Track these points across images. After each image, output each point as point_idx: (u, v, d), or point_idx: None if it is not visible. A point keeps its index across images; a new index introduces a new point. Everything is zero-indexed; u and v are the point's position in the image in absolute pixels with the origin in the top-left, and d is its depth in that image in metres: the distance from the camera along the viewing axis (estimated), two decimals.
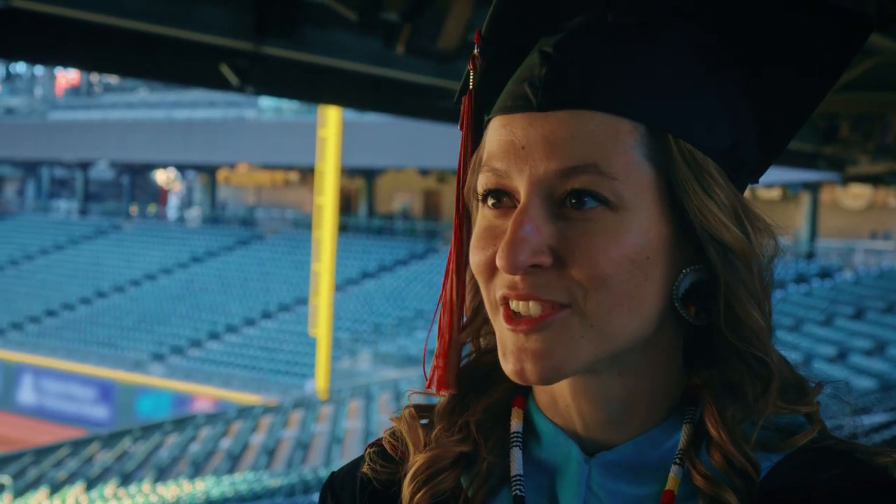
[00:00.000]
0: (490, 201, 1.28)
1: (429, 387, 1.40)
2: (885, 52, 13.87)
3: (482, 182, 1.28)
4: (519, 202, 1.25)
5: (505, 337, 1.27)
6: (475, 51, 1.36)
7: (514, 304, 1.25)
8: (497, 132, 1.28)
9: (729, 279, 1.26)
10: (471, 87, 1.36)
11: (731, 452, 1.26)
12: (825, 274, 40.32)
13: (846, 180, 31.16)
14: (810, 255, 44.17)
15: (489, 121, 1.32)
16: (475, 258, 1.28)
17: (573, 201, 1.22)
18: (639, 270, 1.23)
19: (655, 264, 1.25)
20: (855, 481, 1.27)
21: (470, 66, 1.37)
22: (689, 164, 1.25)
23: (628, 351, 1.28)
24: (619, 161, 1.22)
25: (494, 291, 1.27)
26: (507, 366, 1.27)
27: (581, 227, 1.22)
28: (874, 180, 31.77)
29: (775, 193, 48.76)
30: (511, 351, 1.26)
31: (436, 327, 1.38)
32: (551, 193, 1.23)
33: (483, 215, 1.29)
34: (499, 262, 1.23)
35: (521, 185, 1.24)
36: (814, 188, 46.73)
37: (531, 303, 1.24)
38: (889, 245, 46.66)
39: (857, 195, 48.97)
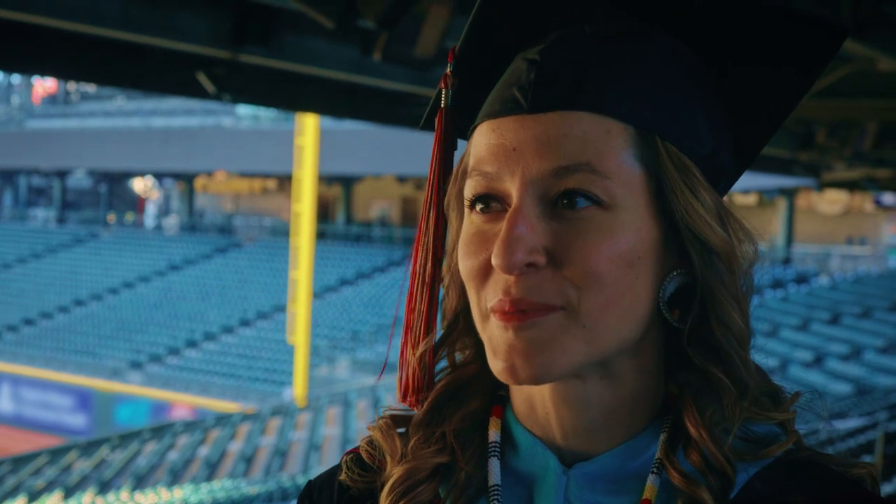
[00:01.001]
0: (478, 207, 1.28)
1: (402, 400, 1.40)
2: (861, 59, 13.91)
3: (471, 187, 1.28)
4: (509, 206, 1.25)
5: (495, 337, 1.26)
6: (448, 69, 1.37)
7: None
8: (485, 137, 1.28)
9: (712, 282, 1.27)
10: (442, 104, 1.37)
11: (711, 451, 1.27)
12: (801, 279, 40.42)
13: (822, 186, 31.24)
14: (787, 261, 44.27)
15: (474, 129, 1.32)
16: (467, 264, 1.28)
17: (565, 202, 1.23)
18: (630, 270, 1.24)
19: (645, 266, 1.26)
20: (829, 496, 1.28)
21: (442, 85, 1.38)
22: (677, 167, 1.26)
23: (616, 355, 1.28)
24: (610, 161, 1.23)
25: (486, 300, 1.27)
26: (497, 364, 1.26)
27: (575, 226, 1.23)
28: (850, 186, 31.85)
29: (752, 199, 48.88)
30: (502, 349, 1.25)
31: (398, 340, 1.39)
32: (544, 194, 1.24)
33: (471, 221, 1.29)
34: (495, 262, 1.22)
35: (512, 187, 1.24)
36: (790, 194, 46.86)
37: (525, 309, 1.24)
38: (865, 250, 46.83)
39: (833, 201, 49.13)
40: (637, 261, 1.25)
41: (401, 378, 1.40)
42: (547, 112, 1.25)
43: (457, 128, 1.38)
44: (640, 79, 1.27)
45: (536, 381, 1.25)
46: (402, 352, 1.41)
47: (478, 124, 1.31)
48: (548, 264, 1.23)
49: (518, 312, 1.23)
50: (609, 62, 1.26)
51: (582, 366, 1.26)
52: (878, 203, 47.46)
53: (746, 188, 43.43)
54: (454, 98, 1.37)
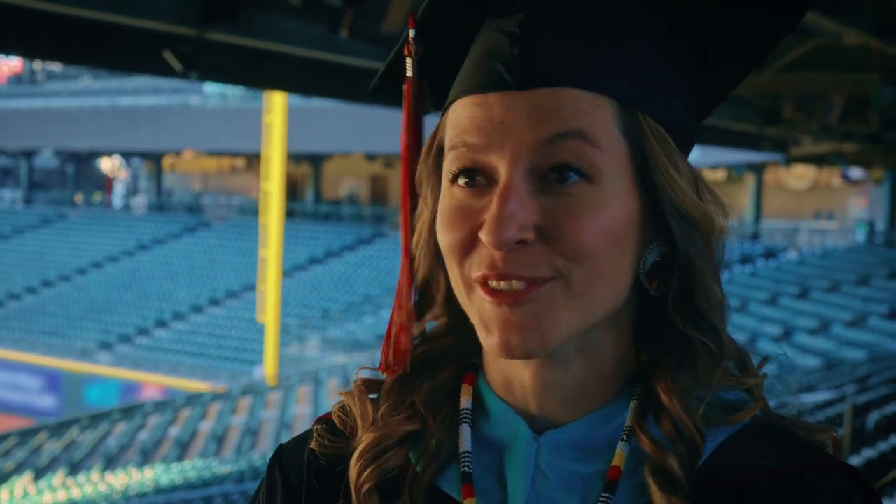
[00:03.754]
0: (461, 181, 1.27)
1: (384, 370, 1.40)
2: (828, 33, 13.98)
3: (455, 159, 1.27)
4: (495, 181, 1.25)
5: (487, 311, 1.26)
6: (410, 37, 1.36)
7: (493, 284, 1.25)
8: (469, 110, 1.27)
9: (691, 253, 1.28)
10: (410, 74, 1.36)
11: (682, 418, 1.28)
12: (770, 254, 40.61)
13: (790, 161, 31.41)
14: (755, 236, 44.48)
15: (450, 103, 1.31)
16: (447, 238, 1.27)
17: (555, 176, 1.23)
18: (617, 245, 1.25)
19: (629, 238, 1.26)
20: (794, 462, 1.29)
21: (406, 53, 1.36)
22: (658, 141, 1.26)
23: (595, 327, 1.29)
24: (602, 132, 1.23)
25: (470, 271, 1.26)
26: (492, 339, 1.26)
27: (564, 201, 1.23)
28: (817, 160, 32.03)
29: (720, 174, 49.03)
30: (496, 325, 1.25)
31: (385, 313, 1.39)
32: (533, 168, 1.23)
33: (452, 195, 1.28)
34: (486, 238, 1.22)
35: (501, 161, 1.23)
36: (758, 169, 47.06)
37: (513, 281, 1.24)
38: (832, 225, 47.06)
39: (800, 176, 49.36)
40: (623, 235, 1.25)
41: (387, 349, 1.40)
42: (536, 88, 1.24)
43: (426, 98, 1.37)
44: (621, 52, 1.27)
45: (532, 355, 1.26)
46: (391, 325, 1.40)
47: (456, 98, 1.30)
48: (537, 240, 1.23)
49: (509, 292, 1.24)
50: (592, 37, 1.26)
51: (572, 337, 1.27)
52: (845, 177, 47.68)
53: (714, 164, 43.56)
54: (419, 66, 1.36)
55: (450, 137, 1.29)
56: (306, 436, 1.46)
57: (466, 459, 1.34)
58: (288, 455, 1.46)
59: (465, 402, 1.39)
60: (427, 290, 1.39)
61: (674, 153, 1.28)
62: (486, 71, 1.27)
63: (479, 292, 1.26)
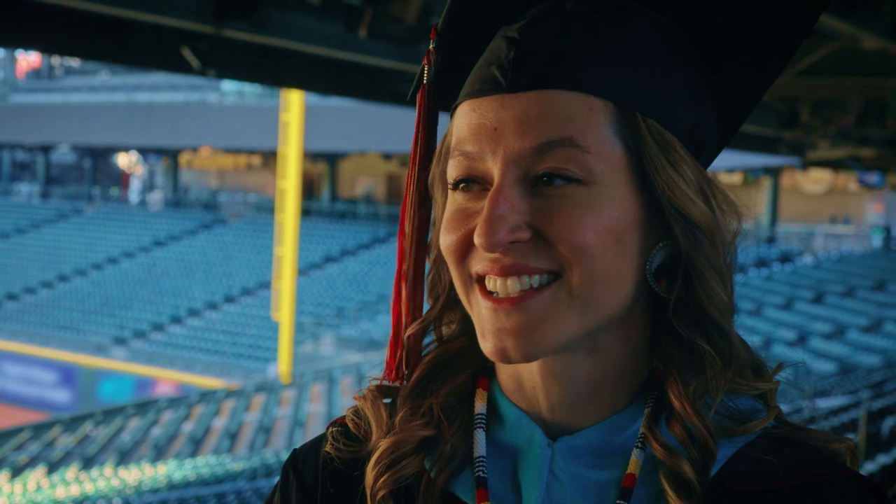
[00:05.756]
0: (461, 186, 1.28)
1: (391, 379, 1.41)
2: (845, 37, 13.94)
3: (453, 168, 1.29)
4: (491, 186, 1.25)
5: (483, 316, 1.27)
6: (431, 46, 1.37)
7: (490, 284, 1.26)
8: (466, 117, 1.29)
9: (694, 255, 1.28)
10: (425, 81, 1.38)
11: (693, 423, 1.27)
12: (785, 258, 40.53)
13: (806, 165, 31.32)
14: (771, 240, 44.39)
15: (455, 108, 1.33)
16: (446, 239, 1.29)
17: (546, 180, 1.23)
18: (616, 244, 1.25)
19: (631, 239, 1.26)
20: (807, 474, 1.29)
21: (425, 62, 1.38)
22: (658, 142, 1.26)
23: (603, 328, 1.29)
24: (592, 136, 1.23)
25: (470, 268, 1.28)
26: (487, 345, 1.27)
27: (557, 202, 1.23)
28: (834, 165, 31.95)
29: (736, 178, 48.96)
30: (490, 331, 1.26)
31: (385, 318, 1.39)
32: (525, 173, 1.24)
33: (453, 200, 1.29)
34: (477, 241, 1.23)
35: (494, 167, 1.25)
36: (774, 173, 46.97)
37: (509, 281, 1.24)
38: (849, 230, 46.95)
39: (817, 180, 49.24)
40: (622, 234, 1.25)
41: (393, 357, 1.41)
42: (527, 91, 1.25)
43: (439, 104, 1.38)
44: (620, 55, 1.27)
45: (528, 359, 1.26)
46: (393, 331, 1.41)
47: (459, 104, 1.32)
48: (533, 239, 1.24)
49: (505, 297, 1.24)
50: (588, 38, 1.26)
51: (574, 339, 1.27)
52: (861, 182, 47.55)
53: (731, 167, 43.52)
54: (437, 74, 1.37)
55: (451, 144, 1.30)
56: (321, 439, 1.46)
57: (481, 464, 1.34)
58: (303, 459, 1.46)
59: (480, 406, 1.38)
60: (441, 292, 1.39)
61: (675, 155, 1.27)
62: (484, 75, 1.29)
63: (478, 295, 1.27)
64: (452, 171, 1.29)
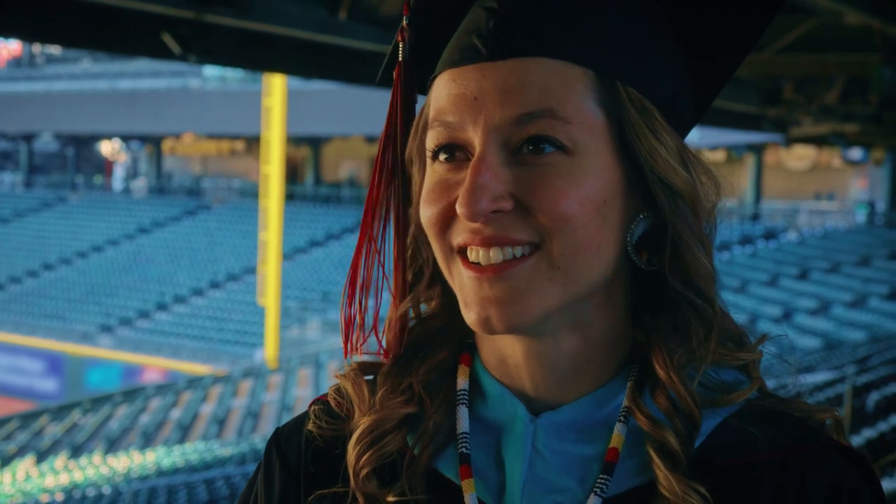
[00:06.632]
0: (442, 156, 1.28)
1: (384, 357, 1.40)
2: (828, 13, 13.94)
3: (433, 137, 1.28)
4: (473, 154, 1.25)
5: (466, 286, 1.27)
6: (403, 22, 1.36)
7: (472, 255, 1.26)
8: (446, 87, 1.28)
9: (678, 224, 1.28)
10: (400, 58, 1.37)
11: (679, 392, 1.28)
12: (770, 235, 40.56)
13: (790, 141, 31.35)
14: (755, 217, 44.43)
15: (433, 79, 1.32)
16: (427, 212, 1.28)
17: (530, 148, 1.23)
18: (598, 213, 1.25)
19: (612, 209, 1.26)
20: (792, 445, 1.29)
21: (399, 38, 1.37)
22: (639, 110, 1.27)
23: (586, 301, 1.29)
24: (572, 106, 1.24)
25: (452, 240, 1.27)
26: (471, 315, 1.27)
27: (539, 171, 1.23)
28: (818, 141, 31.97)
29: (720, 155, 48.98)
30: (474, 300, 1.26)
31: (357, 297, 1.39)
32: (507, 141, 1.24)
33: (433, 171, 1.29)
34: (460, 210, 1.23)
35: (475, 136, 1.25)
36: (758, 150, 47.00)
37: (492, 251, 1.24)
38: (833, 206, 47.04)
39: (800, 156, 49.33)
40: (604, 204, 1.25)
41: (349, 332, 1.41)
42: (507, 59, 1.25)
43: (415, 81, 1.38)
44: (600, 23, 1.27)
45: (512, 330, 1.26)
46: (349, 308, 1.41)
47: (437, 74, 1.31)
48: (515, 209, 1.24)
49: (487, 265, 1.24)
50: (567, 7, 1.26)
51: (555, 310, 1.27)
52: (845, 158, 47.63)
53: (714, 145, 43.52)
54: (411, 51, 1.37)
55: (430, 115, 1.30)
56: (303, 418, 1.46)
57: (464, 440, 1.34)
58: (285, 437, 1.47)
59: (462, 382, 1.38)
60: (422, 268, 1.39)
61: (656, 124, 1.27)
62: (464, 45, 1.28)
63: (459, 266, 1.27)
64: (432, 139, 1.29)
